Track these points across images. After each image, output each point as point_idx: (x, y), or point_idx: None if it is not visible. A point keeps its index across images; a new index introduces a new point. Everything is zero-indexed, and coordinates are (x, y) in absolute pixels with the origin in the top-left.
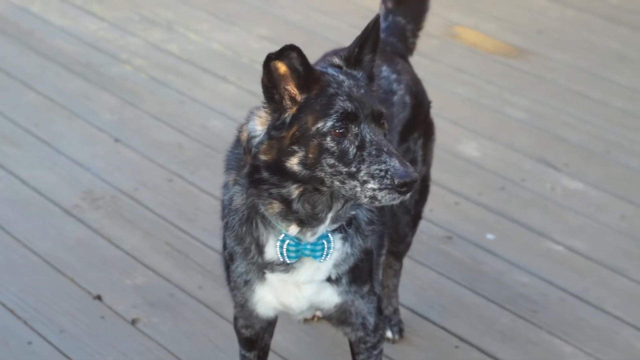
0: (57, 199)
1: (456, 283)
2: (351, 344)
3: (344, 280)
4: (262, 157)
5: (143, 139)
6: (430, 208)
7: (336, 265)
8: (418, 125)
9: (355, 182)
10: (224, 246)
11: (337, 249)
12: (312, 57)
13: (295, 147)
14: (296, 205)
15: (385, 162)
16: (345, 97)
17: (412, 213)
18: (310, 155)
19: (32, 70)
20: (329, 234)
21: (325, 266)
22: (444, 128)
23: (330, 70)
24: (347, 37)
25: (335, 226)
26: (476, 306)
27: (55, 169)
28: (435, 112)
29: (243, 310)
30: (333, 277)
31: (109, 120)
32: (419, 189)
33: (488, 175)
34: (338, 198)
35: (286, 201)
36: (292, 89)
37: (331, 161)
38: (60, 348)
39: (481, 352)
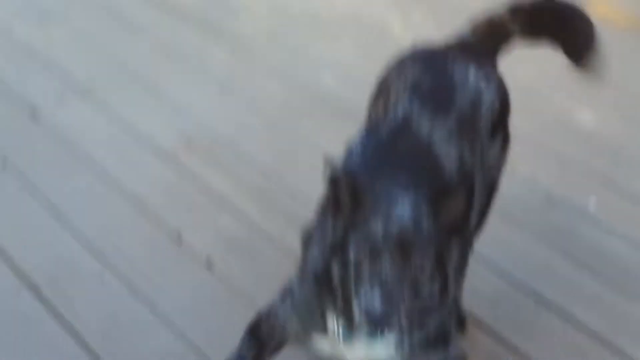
0: (155, 140)
1: (551, 249)
2: None
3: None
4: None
5: (249, 86)
6: (534, 169)
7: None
8: (500, 131)
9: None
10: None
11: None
12: None
13: (333, 256)
14: (339, 311)
15: (369, 296)
16: (379, 225)
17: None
18: (341, 267)
19: (146, 14)
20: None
21: (381, 349)
22: (560, 101)
23: None
24: None
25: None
26: (568, 274)
27: (158, 111)
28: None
29: (284, 332)
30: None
31: (218, 65)
32: (487, 193)
33: (600, 140)
34: None
35: (335, 303)
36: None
37: (349, 279)
38: (131, 282)
39: (562, 317)
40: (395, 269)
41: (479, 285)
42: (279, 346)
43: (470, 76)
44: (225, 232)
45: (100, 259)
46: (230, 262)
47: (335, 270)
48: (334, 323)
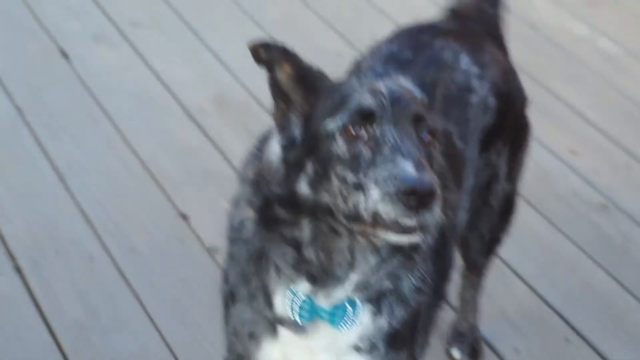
0: (184, 98)
1: (594, 263)
2: None
3: (378, 347)
4: (275, 189)
5: (304, 43)
6: (596, 169)
7: (363, 338)
8: (504, 133)
9: (360, 195)
10: (226, 279)
11: (366, 324)
12: None
13: (304, 161)
14: (307, 252)
15: (396, 164)
16: (365, 91)
17: (487, 239)
18: (318, 168)
19: None
20: (357, 300)
21: (348, 337)
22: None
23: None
24: None
25: (362, 296)
26: (609, 295)
27: (194, 65)
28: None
29: None
30: (362, 346)
31: (273, 19)
32: (500, 210)
33: None
34: (362, 252)
35: (298, 245)
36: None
37: (341, 172)
38: (121, 268)
39: (593, 350)
40: (410, 137)
41: (506, 306)
42: None
43: (462, 62)
44: None
45: (94, 236)
46: None
47: (304, 187)
48: (286, 295)
